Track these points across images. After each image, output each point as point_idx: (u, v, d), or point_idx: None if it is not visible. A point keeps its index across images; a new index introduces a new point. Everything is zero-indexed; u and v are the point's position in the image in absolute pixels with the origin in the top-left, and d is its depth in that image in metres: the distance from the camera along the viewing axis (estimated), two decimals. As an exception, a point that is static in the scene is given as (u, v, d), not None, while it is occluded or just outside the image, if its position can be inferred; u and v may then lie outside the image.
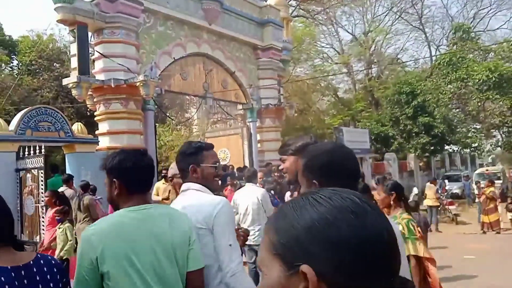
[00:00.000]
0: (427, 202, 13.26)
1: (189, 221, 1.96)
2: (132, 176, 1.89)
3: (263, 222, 5.65)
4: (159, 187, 8.95)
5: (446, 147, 24.10)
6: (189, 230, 1.92)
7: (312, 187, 1.51)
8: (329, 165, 1.51)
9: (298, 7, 24.43)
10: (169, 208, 2.13)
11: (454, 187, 20.45)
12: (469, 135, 23.28)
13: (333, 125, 22.85)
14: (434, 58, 26.34)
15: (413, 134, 21.60)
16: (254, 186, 6.07)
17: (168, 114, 17.37)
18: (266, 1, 15.88)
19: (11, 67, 18.15)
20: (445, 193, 16.15)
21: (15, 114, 9.74)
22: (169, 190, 8.42)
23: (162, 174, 9.67)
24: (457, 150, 27.69)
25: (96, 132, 10.91)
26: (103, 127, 10.74)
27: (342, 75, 27.45)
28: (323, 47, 29.01)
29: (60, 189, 8.14)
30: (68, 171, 9.68)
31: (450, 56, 22.40)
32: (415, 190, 13.90)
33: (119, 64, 10.36)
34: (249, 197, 5.76)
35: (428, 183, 13.83)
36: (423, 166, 24.59)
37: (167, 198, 8.25)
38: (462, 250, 9.39)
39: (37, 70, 16.48)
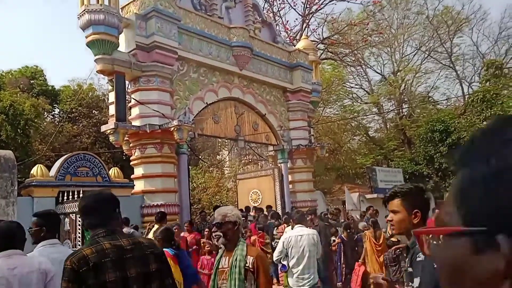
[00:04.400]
0: None
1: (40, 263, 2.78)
2: None
3: (315, 264, 5.56)
4: None
5: (485, 185, 23.24)
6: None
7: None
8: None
9: (326, 50, 24.89)
10: None
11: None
12: (509, 172, 22.41)
13: (365, 165, 22.56)
14: (466, 95, 25.96)
15: (449, 172, 21.03)
16: (305, 228, 5.77)
17: (201, 157, 17.65)
18: (295, 46, 16.30)
19: (53, 115, 19.11)
20: None
21: (56, 160, 10.16)
22: None
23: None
24: (497, 189, 26.58)
25: (132, 176, 11.19)
26: (138, 171, 11.01)
27: (372, 115, 27.35)
28: (352, 87, 29.21)
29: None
30: (104, 215, 9.88)
31: (483, 93, 22.01)
32: None
33: (154, 110, 10.73)
34: (305, 239, 5.51)
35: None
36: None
37: None
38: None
39: (77, 118, 17.26)
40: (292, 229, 6.00)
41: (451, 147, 20.86)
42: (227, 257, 2.91)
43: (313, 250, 5.53)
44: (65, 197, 9.38)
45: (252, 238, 9.21)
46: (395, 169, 20.39)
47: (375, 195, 17.18)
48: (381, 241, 7.98)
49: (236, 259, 2.82)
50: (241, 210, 14.33)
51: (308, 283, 5.31)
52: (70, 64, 52.49)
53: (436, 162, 21.26)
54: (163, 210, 9.79)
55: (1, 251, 2.74)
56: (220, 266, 2.93)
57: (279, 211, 13.05)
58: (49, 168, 9.69)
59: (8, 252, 2.73)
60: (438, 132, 21.39)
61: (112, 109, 10.67)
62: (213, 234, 3.01)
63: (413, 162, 22.42)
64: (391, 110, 27.07)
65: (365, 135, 27.74)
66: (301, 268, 5.41)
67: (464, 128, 21.62)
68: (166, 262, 2.35)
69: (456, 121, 22.15)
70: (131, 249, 2.12)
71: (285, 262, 5.62)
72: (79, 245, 9.24)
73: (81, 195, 9.23)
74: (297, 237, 5.57)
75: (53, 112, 18.69)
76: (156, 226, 7.16)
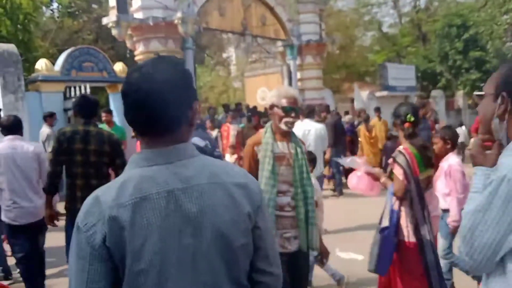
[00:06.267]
0: None
1: None
2: None
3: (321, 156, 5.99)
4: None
5: (498, 83, 22.71)
6: None
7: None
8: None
9: None
10: None
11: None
12: (525, 70, 21.72)
13: (377, 62, 21.93)
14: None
15: (463, 70, 20.42)
16: (313, 122, 6.23)
17: (207, 53, 17.21)
18: None
19: (52, 10, 18.32)
20: None
21: (58, 57, 9.89)
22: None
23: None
24: (510, 87, 26.06)
25: (137, 72, 10.97)
26: (143, 66, 10.77)
27: (387, 8, 25.90)
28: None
29: None
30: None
31: (508, -18, 20.42)
32: (462, 129, 13.29)
33: (157, 1, 10.16)
34: (313, 133, 5.88)
35: None
36: (473, 104, 23.42)
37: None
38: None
39: (77, 12, 16.56)
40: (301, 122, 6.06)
41: (467, 42, 19.98)
42: (284, 142, 2.71)
43: (320, 143, 5.88)
44: (72, 93, 9.33)
45: None
46: (408, 66, 19.82)
47: (385, 93, 16.91)
48: (373, 134, 9.51)
49: (298, 146, 2.72)
50: (248, 109, 14.31)
51: (316, 172, 5.44)
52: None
53: (450, 59, 20.52)
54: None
55: (7, 135, 3.89)
56: (278, 152, 2.68)
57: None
58: (53, 65, 9.48)
59: (11, 137, 3.84)
60: (455, 27, 20.29)
61: (112, 0, 10.10)
62: (285, 120, 2.69)
63: (426, 59, 21.69)
64: (407, 2, 25.49)
65: (378, 30, 26.54)
66: None
67: (483, 23, 20.50)
68: (119, 147, 3.56)
69: (475, 15, 20.93)
70: (95, 134, 3.46)
71: None
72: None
73: (88, 91, 9.19)
74: (304, 131, 5.67)
75: (51, 7, 17.87)
76: None
